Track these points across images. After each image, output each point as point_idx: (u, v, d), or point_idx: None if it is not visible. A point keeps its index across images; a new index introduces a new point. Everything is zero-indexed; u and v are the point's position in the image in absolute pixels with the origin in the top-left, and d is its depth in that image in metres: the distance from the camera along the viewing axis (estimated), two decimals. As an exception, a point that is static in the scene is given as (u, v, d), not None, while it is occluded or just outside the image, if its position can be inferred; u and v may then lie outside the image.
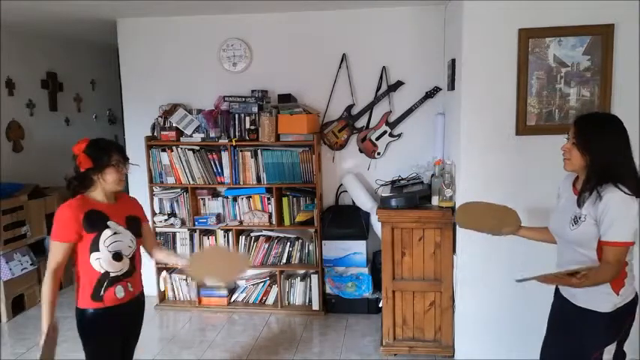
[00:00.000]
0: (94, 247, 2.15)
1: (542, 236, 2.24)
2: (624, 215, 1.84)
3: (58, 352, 3.55)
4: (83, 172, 2.17)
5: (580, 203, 1.93)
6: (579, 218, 1.93)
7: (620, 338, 2.04)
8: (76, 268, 2.23)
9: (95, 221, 2.16)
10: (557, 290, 2.16)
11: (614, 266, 1.85)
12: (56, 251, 2.15)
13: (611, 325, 1.97)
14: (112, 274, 2.20)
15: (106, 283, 2.19)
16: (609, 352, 2.02)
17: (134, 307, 2.35)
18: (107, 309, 2.20)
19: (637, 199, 1.87)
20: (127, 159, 2.29)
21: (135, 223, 2.33)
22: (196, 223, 4.13)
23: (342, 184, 4.12)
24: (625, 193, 1.84)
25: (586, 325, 2.00)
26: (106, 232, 2.16)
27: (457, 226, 2.68)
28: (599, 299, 1.95)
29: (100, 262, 2.17)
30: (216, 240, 4.14)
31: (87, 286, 2.18)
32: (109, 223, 2.19)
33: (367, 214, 3.93)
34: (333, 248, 3.93)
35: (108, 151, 2.20)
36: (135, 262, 2.31)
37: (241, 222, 4.14)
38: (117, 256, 2.20)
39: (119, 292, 2.23)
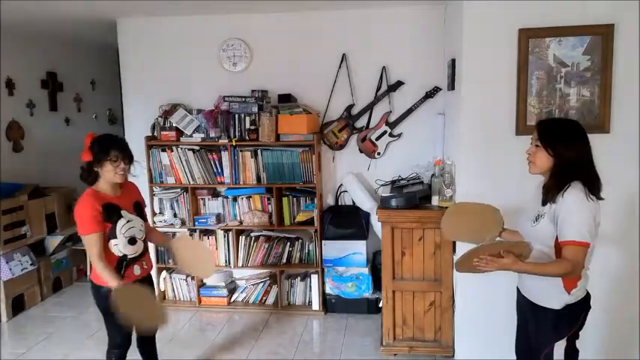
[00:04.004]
0: (112, 234, 2.43)
1: (521, 238, 2.25)
2: (577, 214, 1.88)
3: (60, 352, 3.57)
4: (86, 164, 2.43)
5: (544, 202, 2.01)
6: (540, 216, 2.00)
7: (571, 335, 2.12)
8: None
9: (111, 213, 2.42)
10: (517, 286, 2.25)
11: (569, 263, 1.88)
12: (92, 243, 2.38)
13: (560, 321, 2.04)
14: (129, 257, 2.51)
15: (125, 265, 2.50)
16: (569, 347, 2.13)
17: (148, 282, 2.70)
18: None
19: (597, 201, 1.94)
20: (130, 156, 2.49)
21: (141, 209, 2.64)
22: (196, 223, 4.12)
23: (342, 184, 4.12)
24: (584, 193, 1.90)
25: (538, 321, 2.09)
26: (121, 221, 2.45)
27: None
28: (551, 296, 2.03)
29: (118, 247, 2.45)
30: (216, 240, 4.15)
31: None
32: (122, 212, 2.47)
33: (367, 214, 3.93)
34: (333, 248, 3.93)
35: (107, 147, 2.41)
36: (146, 243, 2.64)
37: (241, 222, 4.14)
38: (132, 241, 2.50)
39: (136, 270, 2.57)
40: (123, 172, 2.47)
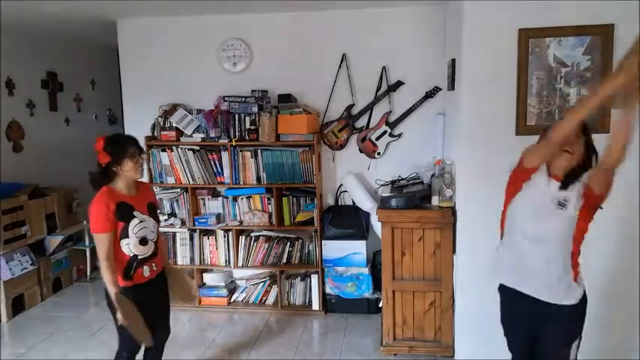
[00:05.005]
0: (124, 234, 2.44)
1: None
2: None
3: (60, 352, 3.56)
4: (105, 166, 2.44)
5: (565, 184, 2.06)
6: (566, 201, 2.04)
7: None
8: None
9: (124, 212, 2.44)
10: (517, 292, 2.23)
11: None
12: (102, 242, 2.39)
13: (583, 312, 2.11)
14: (139, 257, 2.50)
15: (135, 265, 2.49)
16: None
17: (158, 283, 2.65)
18: (135, 286, 2.50)
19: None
20: (143, 150, 2.55)
21: (154, 211, 2.64)
22: (196, 223, 4.12)
23: (342, 184, 4.13)
24: None
25: (560, 320, 2.09)
26: (134, 221, 2.46)
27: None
28: (569, 292, 2.08)
29: (129, 246, 2.46)
30: (216, 240, 4.14)
31: (118, 267, 2.45)
32: (134, 213, 2.48)
33: (367, 214, 3.93)
34: (333, 248, 3.93)
35: (123, 145, 2.47)
36: (158, 244, 2.62)
37: (241, 222, 4.14)
38: (143, 241, 2.50)
39: (146, 271, 2.54)
40: (141, 167, 2.53)
